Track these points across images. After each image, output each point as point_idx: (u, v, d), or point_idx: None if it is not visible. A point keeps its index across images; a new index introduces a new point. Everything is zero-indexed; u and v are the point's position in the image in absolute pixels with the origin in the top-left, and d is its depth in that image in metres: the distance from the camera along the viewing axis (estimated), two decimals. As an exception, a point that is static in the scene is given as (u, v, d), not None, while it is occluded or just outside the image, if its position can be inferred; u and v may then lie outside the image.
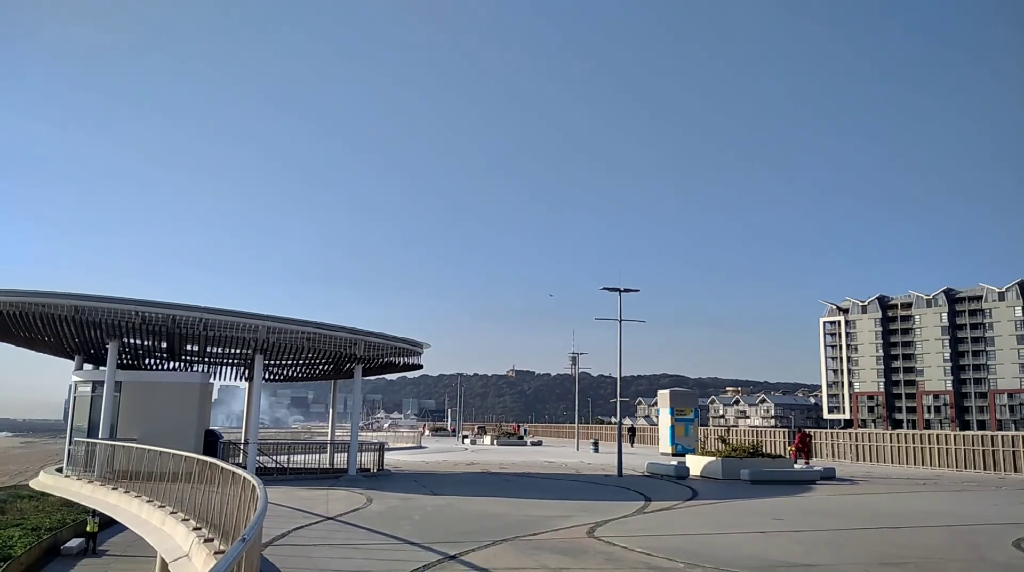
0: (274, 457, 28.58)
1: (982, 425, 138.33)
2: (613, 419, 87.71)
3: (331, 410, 37.24)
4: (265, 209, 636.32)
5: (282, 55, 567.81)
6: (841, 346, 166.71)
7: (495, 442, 63.94)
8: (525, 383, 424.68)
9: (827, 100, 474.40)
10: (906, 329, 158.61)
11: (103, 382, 25.07)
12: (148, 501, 15.01)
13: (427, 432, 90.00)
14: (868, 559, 12.20)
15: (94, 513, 24.15)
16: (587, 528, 15.11)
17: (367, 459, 29.43)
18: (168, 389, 26.58)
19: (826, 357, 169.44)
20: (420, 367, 31.01)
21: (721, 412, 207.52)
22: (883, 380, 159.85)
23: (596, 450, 50.67)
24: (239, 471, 10.16)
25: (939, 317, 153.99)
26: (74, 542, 26.72)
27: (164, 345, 27.86)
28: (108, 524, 25.10)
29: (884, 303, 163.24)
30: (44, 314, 23.16)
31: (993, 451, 33.24)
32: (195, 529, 11.28)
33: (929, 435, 37.90)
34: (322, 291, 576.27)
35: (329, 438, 33.01)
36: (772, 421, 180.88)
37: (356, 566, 11.59)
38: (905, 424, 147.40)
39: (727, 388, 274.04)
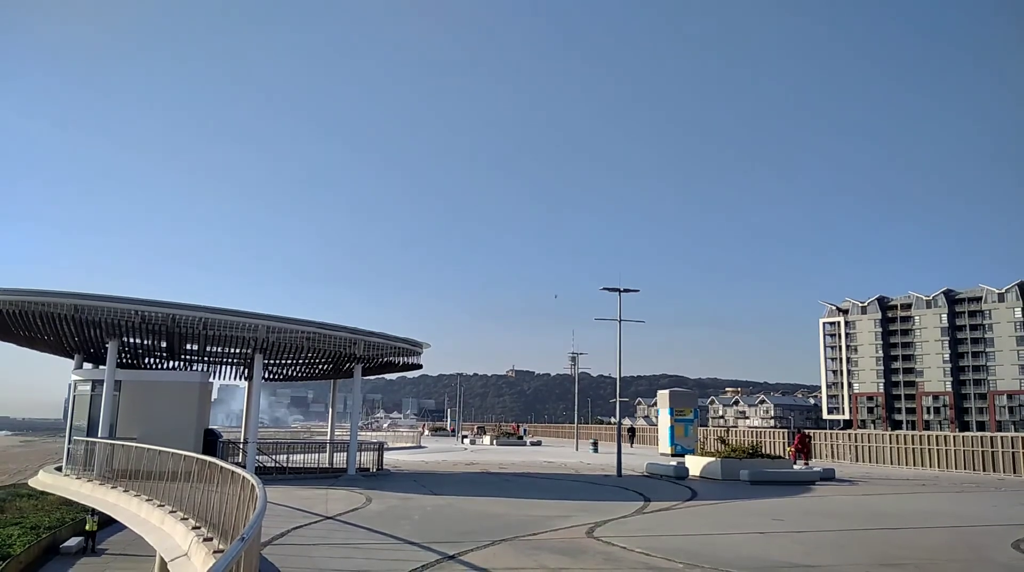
0: (273, 456, 28.57)
1: (981, 426, 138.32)
2: (613, 419, 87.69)
3: (331, 410, 37.24)
4: (265, 209, 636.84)
5: (282, 55, 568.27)
6: (841, 347, 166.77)
7: (494, 442, 63.92)
8: (525, 383, 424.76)
9: (827, 100, 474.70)
10: (906, 330, 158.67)
11: (103, 381, 25.06)
12: (147, 500, 15.00)
13: (426, 432, 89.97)
14: (868, 560, 12.20)
15: (93, 512, 24.13)
16: (586, 528, 15.10)
17: (366, 459, 29.42)
18: (168, 388, 26.58)
19: (826, 358, 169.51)
20: (420, 367, 31.01)
21: (720, 413, 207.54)
22: (883, 381, 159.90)
23: (595, 450, 50.65)
24: (238, 470, 10.16)
25: (939, 318, 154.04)
26: (73, 541, 26.70)
27: (164, 344, 27.85)
28: (107, 523, 25.09)
29: (884, 304, 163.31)
30: (44, 313, 23.15)
31: (992, 452, 33.23)
32: (194, 528, 11.27)
33: (929, 436, 37.90)
34: (322, 291, 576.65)
35: (328, 438, 33.00)
36: (771, 422, 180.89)
37: (356, 566, 11.58)
38: (904, 425, 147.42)
39: (726, 389, 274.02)
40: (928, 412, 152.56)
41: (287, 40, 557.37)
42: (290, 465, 28.55)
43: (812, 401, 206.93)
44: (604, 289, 30.96)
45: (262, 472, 25.31)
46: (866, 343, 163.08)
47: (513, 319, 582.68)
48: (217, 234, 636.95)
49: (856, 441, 41.44)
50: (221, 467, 11.01)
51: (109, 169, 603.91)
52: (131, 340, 26.50)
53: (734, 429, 68.66)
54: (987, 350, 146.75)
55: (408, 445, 58.22)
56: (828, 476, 28.44)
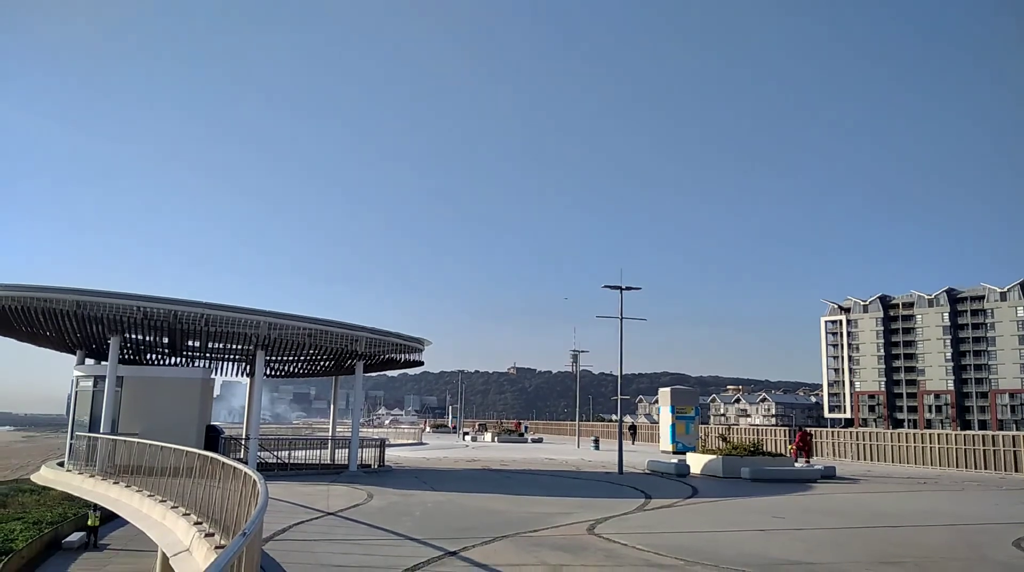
0: (275, 453, 28.63)
1: (983, 425, 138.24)
2: (614, 417, 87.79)
3: (332, 406, 37.29)
4: (266, 207, 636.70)
5: (282, 53, 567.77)
6: (842, 345, 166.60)
7: (496, 439, 63.96)
8: (526, 380, 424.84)
9: (828, 99, 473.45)
10: (907, 328, 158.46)
11: (105, 377, 25.10)
12: (149, 496, 15.03)
13: (428, 429, 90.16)
14: (869, 557, 12.21)
15: (95, 507, 24.19)
16: (587, 525, 15.12)
17: (368, 455, 29.46)
18: (170, 384, 26.62)
19: (827, 356, 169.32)
20: (421, 364, 31.04)
21: (722, 410, 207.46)
22: (884, 379, 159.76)
23: (597, 448, 50.70)
24: (240, 466, 10.18)
25: (941, 317, 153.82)
26: (75, 536, 26.78)
27: (166, 340, 27.89)
28: (109, 518, 25.17)
29: (886, 302, 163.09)
30: (46, 309, 23.20)
31: (994, 451, 33.22)
32: (196, 524, 11.30)
33: (930, 434, 37.88)
34: (323, 289, 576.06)
35: (330, 434, 33.05)
36: (773, 420, 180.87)
37: (357, 561, 11.60)
38: (906, 423, 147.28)
39: (728, 386, 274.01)
40: (929, 411, 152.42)
41: (287, 38, 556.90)
42: (292, 461, 28.61)
43: (814, 399, 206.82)
44: (606, 287, 30.95)
45: (264, 468, 25.36)
46: (868, 341, 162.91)
47: (514, 317, 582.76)
48: (218, 232, 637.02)
49: (857, 439, 41.42)
50: (223, 463, 11.04)
51: (109, 167, 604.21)
52: (133, 336, 26.54)
53: (735, 427, 68.74)
54: (989, 349, 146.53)
55: (409, 442, 58.30)
56: (829, 474, 28.44)
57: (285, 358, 30.29)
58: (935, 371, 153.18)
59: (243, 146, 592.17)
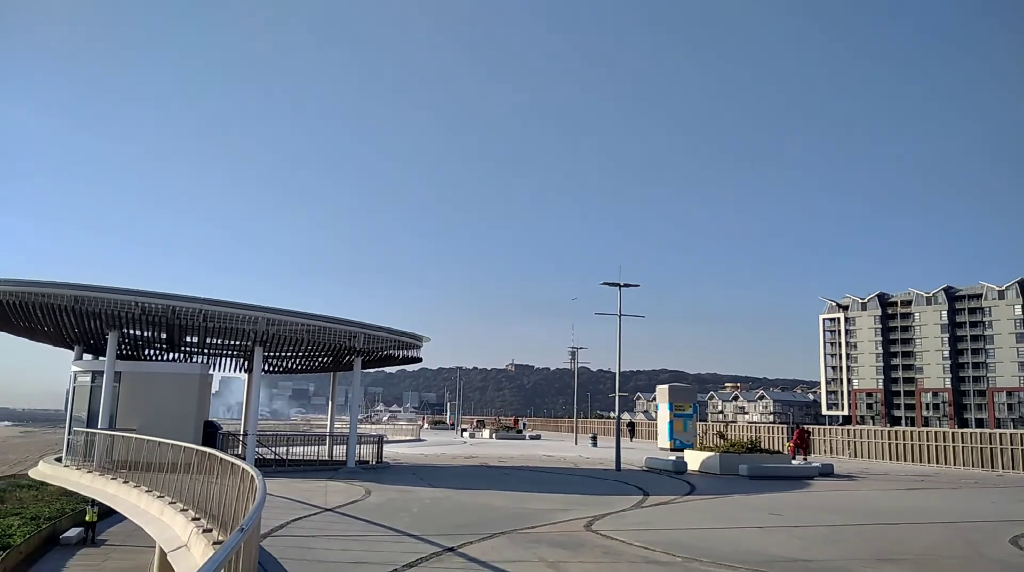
0: (273, 448, 28.62)
1: (980, 423, 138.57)
2: (612, 414, 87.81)
3: (330, 403, 37.27)
4: (266, 204, 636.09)
5: (284, 50, 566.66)
6: (840, 343, 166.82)
7: (494, 436, 64.00)
8: (524, 377, 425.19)
9: (828, 98, 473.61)
10: (906, 326, 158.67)
11: (103, 372, 25.10)
12: (147, 491, 15.02)
13: (426, 425, 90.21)
14: (866, 555, 12.22)
15: (93, 503, 24.23)
16: (585, 521, 15.12)
17: (366, 451, 29.45)
18: (167, 380, 26.61)
19: (825, 354, 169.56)
20: (419, 360, 31.01)
21: (720, 408, 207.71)
22: (882, 377, 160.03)
23: (595, 444, 50.72)
24: (238, 462, 10.16)
25: (939, 315, 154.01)
26: (73, 531, 26.82)
27: (164, 336, 27.86)
28: (107, 514, 25.20)
29: (884, 300, 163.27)
30: (44, 304, 23.15)
31: (991, 449, 33.27)
32: (194, 519, 11.29)
33: (927, 432, 37.90)
34: (322, 285, 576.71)
35: (328, 430, 33.06)
36: (771, 417, 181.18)
37: (354, 557, 11.59)
38: (904, 421, 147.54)
39: (726, 384, 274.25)
40: (927, 408, 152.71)
41: (288, 36, 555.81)
42: (290, 457, 28.60)
43: (811, 397, 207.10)
44: (604, 284, 30.94)
45: (262, 464, 25.33)
46: (866, 339, 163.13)
47: (513, 313, 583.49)
48: (217, 229, 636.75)
49: (855, 437, 41.47)
50: (221, 459, 11.01)
51: (109, 165, 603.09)
52: (131, 331, 26.51)
53: (733, 424, 68.79)
54: (987, 347, 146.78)
55: (407, 438, 58.35)
56: (827, 472, 28.48)
57: (283, 354, 30.26)
58: (933, 369, 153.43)
59: (243, 144, 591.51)
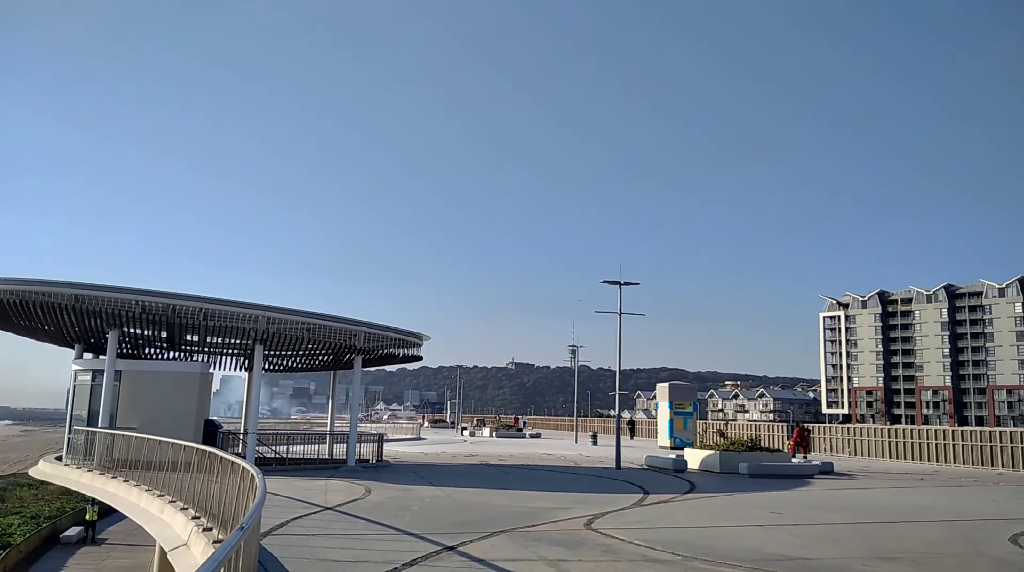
0: (273, 447, 28.62)
1: (980, 421, 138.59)
2: (612, 412, 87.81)
3: (331, 401, 37.28)
4: (267, 202, 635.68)
5: (284, 48, 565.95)
6: (841, 341, 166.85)
7: (494, 434, 63.99)
8: (524, 376, 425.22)
9: (828, 97, 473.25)
10: (906, 324, 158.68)
11: (103, 371, 25.08)
12: (147, 490, 15.04)
13: (426, 424, 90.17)
14: (866, 553, 12.23)
15: (93, 502, 24.25)
16: (585, 520, 15.13)
17: (366, 450, 29.46)
18: (168, 379, 26.60)
19: (825, 352, 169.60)
20: (420, 358, 31.02)
21: (720, 406, 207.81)
22: (882, 375, 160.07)
23: (595, 443, 50.72)
24: (238, 461, 10.17)
25: (939, 313, 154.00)
26: (73, 530, 26.86)
27: (164, 335, 27.86)
28: (107, 513, 25.23)
29: (884, 298, 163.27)
30: (44, 302, 23.15)
31: (991, 447, 33.28)
32: (194, 518, 11.30)
33: (927, 431, 37.92)
34: (322, 283, 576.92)
35: (328, 429, 33.07)
36: (771, 415, 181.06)
37: (354, 556, 11.60)
38: (904, 419, 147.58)
39: (726, 382, 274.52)
40: (927, 407, 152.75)
41: (289, 36, 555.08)
42: (290, 456, 28.59)
43: (811, 395, 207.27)
44: (604, 282, 30.96)
45: (262, 463, 25.36)
46: (866, 337, 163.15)
47: (513, 312, 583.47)
48: (217, 228, 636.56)
49: (855, 435, 41.48)
50: (221, 457, 11.02)
51: (109, 164, 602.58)
52: (131, 330, 26.50)
53: (733, 423, 68.76)
54: (987, 345, 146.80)
55: (408, 437, 58.32)
56: (827, 470, 28.49)
57: (284, 353, 30.25)
58: (933, 367, 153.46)
59: (243, 143, 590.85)
